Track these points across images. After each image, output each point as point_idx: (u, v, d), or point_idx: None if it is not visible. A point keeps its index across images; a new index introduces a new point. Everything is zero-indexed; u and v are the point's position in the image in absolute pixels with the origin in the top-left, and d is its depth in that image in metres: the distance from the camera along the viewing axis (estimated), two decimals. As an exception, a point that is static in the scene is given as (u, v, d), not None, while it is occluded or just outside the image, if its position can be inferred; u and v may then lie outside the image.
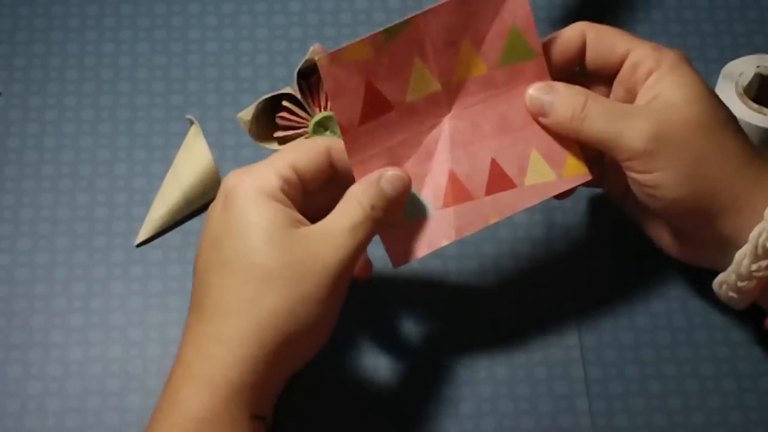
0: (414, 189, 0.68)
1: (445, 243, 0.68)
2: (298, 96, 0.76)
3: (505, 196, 0.69)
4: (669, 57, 0.68)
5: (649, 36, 0.84)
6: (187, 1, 0.85)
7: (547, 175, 0.70)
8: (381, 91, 0.67)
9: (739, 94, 0.78)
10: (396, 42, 0.67)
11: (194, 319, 0.64)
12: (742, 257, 0.67)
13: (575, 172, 0.70)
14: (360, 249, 0.64)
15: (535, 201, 0.69)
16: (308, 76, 0.77)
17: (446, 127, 0.69)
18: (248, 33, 0.84)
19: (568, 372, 0.73)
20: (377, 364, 0.73)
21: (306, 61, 0.75)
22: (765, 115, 0.78)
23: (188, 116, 0.78)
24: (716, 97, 0.69)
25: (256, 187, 0.64)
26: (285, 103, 0.77)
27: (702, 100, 0.68)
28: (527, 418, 0.72)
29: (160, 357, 0.73)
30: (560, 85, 0.69)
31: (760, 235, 0.66)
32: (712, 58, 0.84)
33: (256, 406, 0.63)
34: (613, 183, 0.72)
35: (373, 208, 0.65)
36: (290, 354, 0.63)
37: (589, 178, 0.70)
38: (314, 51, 0.75)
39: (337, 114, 0.66)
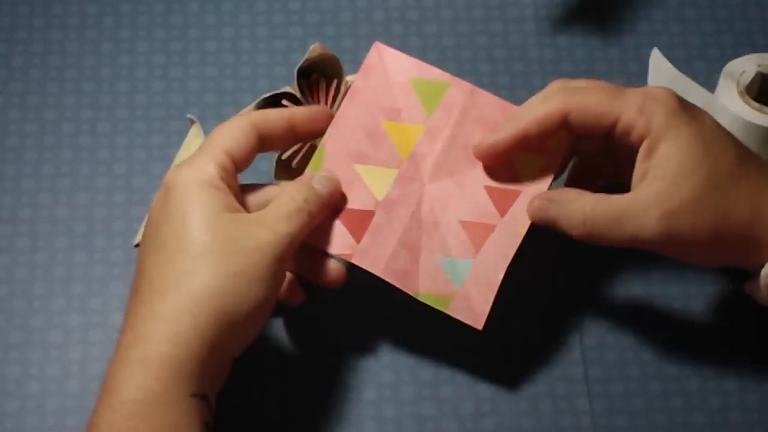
0: (444, 256, 0.70)
1: (501, 277, 0.70)
2: (298, 95, 0.76)
3: (518, 205, 0.70)
4: (657, 118, 0.67)
5: (651, 35, 0.84)
6: (186, 0, 0.85)
7: (538, 164, 0.70)
8: (351, 208, 0.70)
9: (740, 93, 0.78)
10: (328, 161, 0.71)
11: (131, 303, 0.65)
12: None
13: (556, 143, 0.71)
14: (294, 238, 0.66)
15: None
16: (308, 75, 0.77)
17: (430, 192, 0.71)
18: (248, 32, 0.84)
19: (569, 372, 0.73)
20: (377, 365, 0.73)
21: (305, 60, 0.75)
22: (766, 114, 0.78)
23: (188, 116, 0.78)
24: (715, 140, 0.67)
25: (194, 177, 0.65)
26: (285, 102, 0.76)
27: (701, 165, 0.66)
28: (527, 418, 0.72)
29: (160, 357, 0.73)
30: (558, 196, 0.69)
31: None
32: (713, 57, 0.83)
33: (195, 384, 0.62)
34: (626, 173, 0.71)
35: (305, 201, 0.67)
36: (226, 333, 0.63)
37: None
38: (313, 50, 0.75)
39: (333, 251, 0.69)
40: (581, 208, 0.68)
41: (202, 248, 0.63)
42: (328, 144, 0.71)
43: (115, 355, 0.63)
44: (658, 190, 0.66)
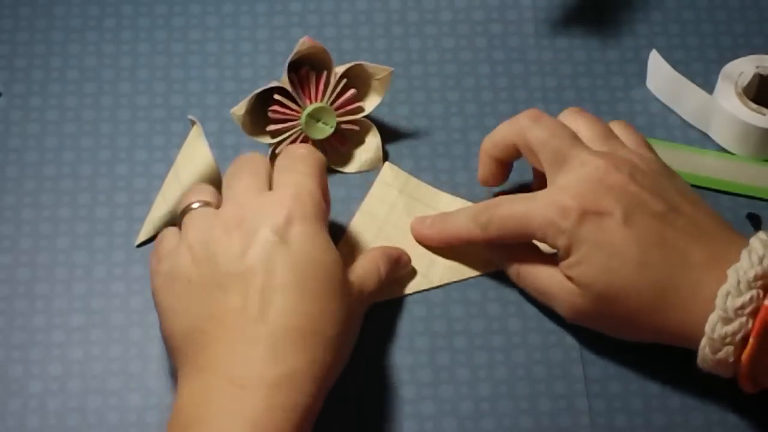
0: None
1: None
2: (289, 88, 0.76)
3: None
4: (559, 240, 0.69)
5: (649, 37, 0.84)
6: (187, 2, 0.85)
7: None
8: None
9: (738, 95, 0.78)
10: None
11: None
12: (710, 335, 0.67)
13: None
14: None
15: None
16: (298, 69, 0.77)
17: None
18: (249, 33, 0.84)
19: (568, 372, 0.73)
20: (376, 364, 0.73)
21: (295, 53, 0.75)
22: (764, 115, 0.78)
23: (190, 116, 0.78)
24: (613, 253, 0.68)
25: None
26: (276, 96, 0.77)
27: (598, 279, 0.69)
28: (527, 418, 0.72)
29: (161, 356, 0.73)
30: (495, 254, 0.75)
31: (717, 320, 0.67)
32: (711, 59, 0.84)
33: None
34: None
35: (386, 276, 0.73)
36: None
37: None
38: (303, 43, 0.75)
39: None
40: (515, 270, 0.74)
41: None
42: None
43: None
44: (567, 286, 0.71)
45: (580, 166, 0.70)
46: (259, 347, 0.64)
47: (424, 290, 0.75)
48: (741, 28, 0.85)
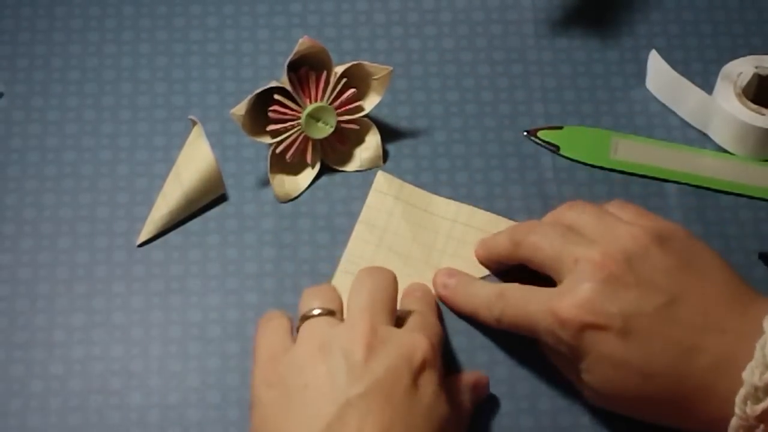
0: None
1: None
2: (289, 88, 0.76)
3: None
4: (563, 345, 0.67)
5: (649, 37, 0.85)
6: (188, 3, 0.85)
7: None
8: None
9: (737, 95, 0.78)
10: None
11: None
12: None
13: None
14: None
15: None
16: (298, 69, 0.77)
17: None
18: (249, 34, 0.84)
19: (568, 371, 0.74)
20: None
21: (295, 53, 0.75)
22: (763, 115, 0.78)
23: (190, 117, 0.78)
24: (617, 364, 0.66)
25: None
26: (276, 96, 0.77)
27: (606, 386, 0.67)
28: (527, 417, 0.72)
29: (162, 356, 0.73)
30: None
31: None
32: (710, 59, 0.84)
33: None
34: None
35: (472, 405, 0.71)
36: None
37: None
38: (302, 43, 0.75)
39: None
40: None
41: None
42: None
43: None
44: (586, 387, 0.69)
45: (574, 265, 0.67)
46: None
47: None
48: (740, 28, 0.85)
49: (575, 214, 0.71)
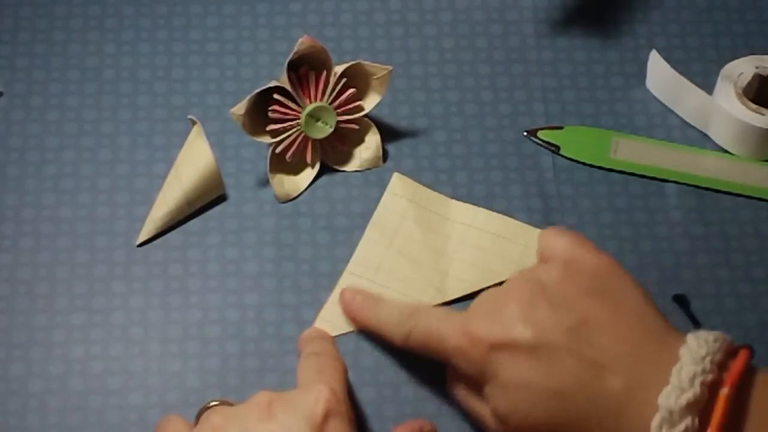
0: None
1: None
2: (288, 88, 0.76)
3: None
4: (469, 370, 0.67)
5: (649, 37, 0.85)
6: (188, 2, 0.85)
7: None
8: None
9: (738, 95, 0.78)
10: None
11: None
12: None
13: None
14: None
15: None
16: (298, 69, 0.77)
17: None
18: (249, 34, 0.84)
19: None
20: (377, 364, 0.74)
21: (294, 53, 0.75)
22: (764, 115, 0.78)
23: (190, 116, 0.78)
24: (520, 386, 0.64)
25: None
26: (276, 96, 0.77)
27: (513, 411, 0.65)
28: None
29: (161, 355, 0.73)
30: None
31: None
32: (711, 59, 0.84)
33: None
34: None
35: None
36: None
37: None
38: (302, 42, 0.75)
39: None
40: (452, 388, 0.71)
41: None
42: None
43: None
44: (492, 419, 0.67)
45: (497, 295, 0.67)
46: None
47: (437, 305, 0.75)
48: (740, 28, 0.85)
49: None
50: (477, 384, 0.67)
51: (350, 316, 0.74)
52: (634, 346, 0.64)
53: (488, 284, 0.74)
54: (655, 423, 0.61)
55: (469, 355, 0.66)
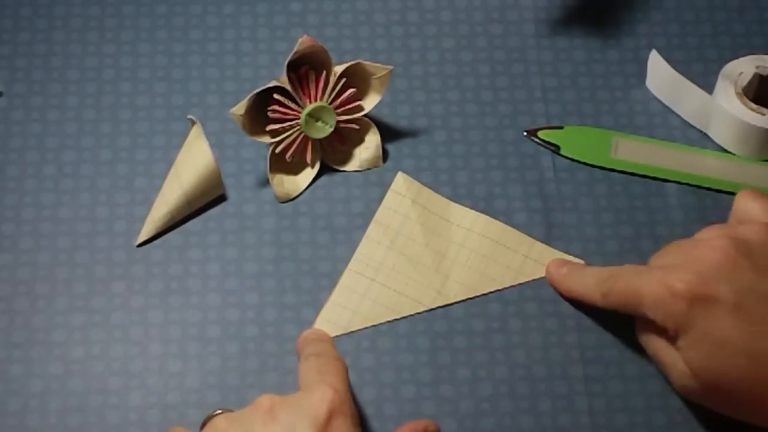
0: None
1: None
2: (288, 88, 0.76)
3: None
4: (669, 319, 0.67)
5: (649, 37, 0.85)
6: (188, 2, 0.85)
7: None
8: None
9: (738, 95, 0.78)
10: None
11: None
12: None
13: None
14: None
15: None
16: (298, 68, 0.77)
17: None
18: (249, 33, 0.84)
19: (568, 371, 0.73)
20: (377, 364, 0.74)
21: (294, 52, 0.75)
22: (764, 115, 0.78)
23: (190, 116, 0.78)
24: (724, 341, 0.66)
25: None
26: (276, 95, 0.77)
27: (709, 366, 0.67)
28: (527, 418, 0.72)
29: (161, 356, 0.73)
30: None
31: None
32: (711, 59, 0.84)
33: None
34: None
35: None
36: None
37: None
38: (302, 42, 0.75)
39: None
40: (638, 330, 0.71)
41: None
42: None
43: None
44: (685, 371, 0.68)
45: (693, 247, 0.68)
46: None
47: (437, 307, 0.75)
48: (741, 28, 0.85)
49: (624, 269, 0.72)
50: (671, 336, 0.68)
51: (556, 285, 0.76)
52: None
53: (489, 290, 0.75)
54: None
55: (668, 306, 0.67)
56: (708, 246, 0.68)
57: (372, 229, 0.77)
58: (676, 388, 0.70)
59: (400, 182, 0.78)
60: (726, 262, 0.67)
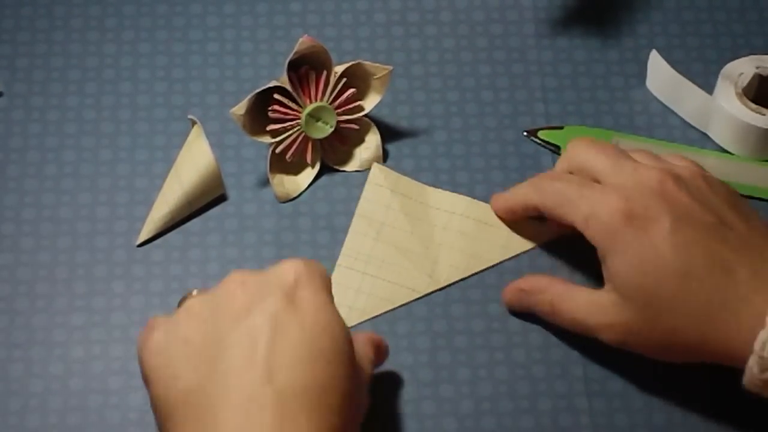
0: None
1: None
2: (289, 88, 0.76)
3: None
4: (599, 235, 0.69)
5: (649, 37, 0.85)
6: (188, 2, 0.85)
7: None
8: None
9: (738, 95, 0.78)
10: None
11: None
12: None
13: None
14: None
15: None
16: (298, 68, 0.77)
17: None
18: (249, 33, 0.84)
19: (568, 371, 0.73)
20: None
21: (295, 52, 0.75)
22: (764, 115, 0.78)
23: (190, 116, 0.78)
24: (657, 258, 0.67)
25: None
26: (276, 96, 0.77)
27: (641, 285, 0.68)
28: (527, 417, 0.72)
29: (162, 355, 0.73)
30: (529, 286, 0.74)
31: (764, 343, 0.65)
32: (711, 59, 0.84)
33: None
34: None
35: (375, 361, 0.70)
36: None
37: None
38: (302, 42, 0.75)
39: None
40: (549, 301, 0.72)
41: None
42: None
43: None
44: (609, 303, 0.69)
45: (633, 172, 0.70)
46: (265, 413, 0.59)
47: (431, 292, 0.75)
48: (741, 28, 0.85)
49: (592, 157, 0.72)
50: (600, 256, 0.69)
51: (497, 211, 0.77)
52: (765, 249, 0.68)
53: (479, 269, 0.76)
54: (758, 342, 0.64)
55: (604, 221, 0.69)
56: (647, 174, 0.69)
57: (356, 223, 0.77)
58: (608, 336, 0.70)
59: (377, 173, 0.79)
60: (663, 190, 0.69)
